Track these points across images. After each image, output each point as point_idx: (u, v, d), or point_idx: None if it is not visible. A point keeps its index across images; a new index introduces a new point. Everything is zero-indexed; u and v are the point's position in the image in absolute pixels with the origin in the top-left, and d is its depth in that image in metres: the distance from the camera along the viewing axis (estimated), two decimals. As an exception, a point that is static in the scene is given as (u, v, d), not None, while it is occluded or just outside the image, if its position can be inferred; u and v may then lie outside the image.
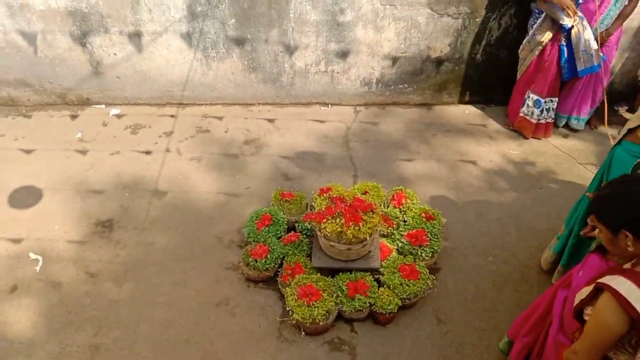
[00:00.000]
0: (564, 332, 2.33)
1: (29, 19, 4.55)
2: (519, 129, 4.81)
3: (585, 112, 4.75)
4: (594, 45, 4.23)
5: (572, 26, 4.18)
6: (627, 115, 5.00)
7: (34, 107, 5.08)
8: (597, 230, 2.10)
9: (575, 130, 4.87)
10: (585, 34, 4.18)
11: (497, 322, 3.27)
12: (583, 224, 3.07)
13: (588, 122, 4.89)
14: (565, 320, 2.32)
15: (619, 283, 1.76)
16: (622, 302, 1.73)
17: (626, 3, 4.13)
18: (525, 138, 4.78)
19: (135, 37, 4.69)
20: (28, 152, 4.52)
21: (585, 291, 1.94)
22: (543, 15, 4.24)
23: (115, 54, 4.79)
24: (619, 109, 5.13)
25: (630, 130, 2.79)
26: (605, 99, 4.46)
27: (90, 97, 5.08)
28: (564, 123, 4.88)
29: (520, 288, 3.48)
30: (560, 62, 4.40)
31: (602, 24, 4.21)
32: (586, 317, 1.95)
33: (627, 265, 1.89)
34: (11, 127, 4.82)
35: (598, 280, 1.85)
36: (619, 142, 2.89)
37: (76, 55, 4.78)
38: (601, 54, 4.31)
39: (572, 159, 4.58)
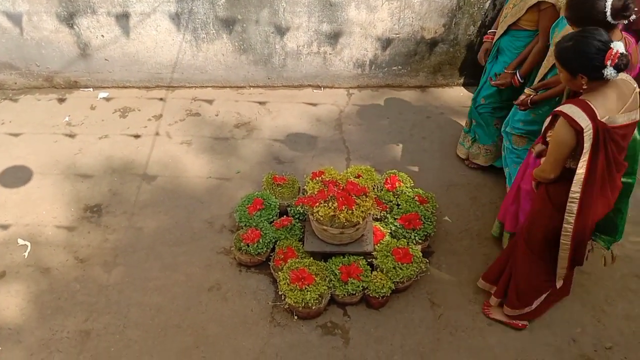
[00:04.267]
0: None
1: (14, -1, 4.44)
2: None
3: None
4: None
5: None
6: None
7: (20, 90, 4.98)
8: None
9: None
10: None
11: (490, 305, 3.27)
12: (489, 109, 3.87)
13: None
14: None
15: (567, 107, 2.37)
16: (570, 120, 2.33)
17: None
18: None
19: (123, 18, 4.59)
20: (15, 135, 4.44)
21: (547, 121, 2.57)
22: None
23: (102, 36, 4.69)
24: None
25: (514, 24, 3.44)
26: None
27: (77, 80, 4.99)
28: None
29: (513, 271, 3.47)
30: None
31: None
32: (548, 139, 2.57)
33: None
34: (-3, 111, 4.74)
35: (554, 109, 2.45)
36: (504, 33, 3.52)
37: (63, 37, 4.68)
38: None
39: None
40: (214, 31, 4.70)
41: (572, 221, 2.55)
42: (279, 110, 4.82)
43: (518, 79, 3.55)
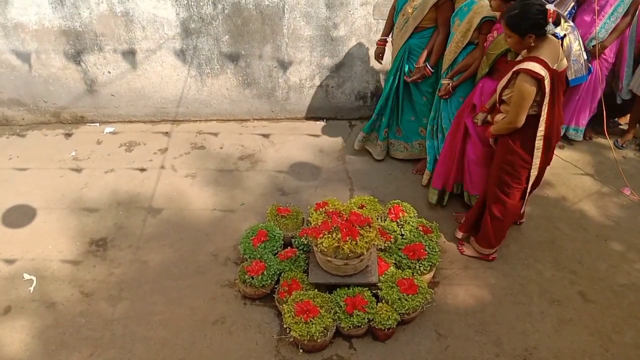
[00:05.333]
0: (482, 142, 3.58)
1: (23, 38, 4.55)
2: None
3: (583, 123, 4.75)
4: (584, 55, 4.25)
5: (565, 35, 4.20)
6: (625, 126, 5.03)
7: (28, 126, 5.07)
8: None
9: (571, 142, 4.87)
10: (576, 44, 4.21)
11: (497, 336, 3.24)
12: (393, 102, 4.29)
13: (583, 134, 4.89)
14: (480, 135, 3.56)
15: (527, 64, 2.88)
16: (532, 73, 2.85)
17: (621, 16, 4.15)
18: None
19: (129, 54, 4.69)
20: (22, 170, 4.50)
21: (503, 82, 3.05)
22: None
23: (109, 72, 4.79)
24: (617, 119, 5.14)
25: (417, 27, 3.85)
26: (605, 110, 4.48)
27: (84, 116, 5.07)
28: (562, 133, 4.87)
29: (520, 300, 3.45)
30: None
31: (598, 34, 4.23)
32: (505, 97, 3.10)
33: (524, 56, 2.99)
34: (5, 147, 4.80)
35: (514, 69, 2.93)
36: (410, 37, 3.91)
37: (70, 73, 4.79)
38: (590, 65, 4.32)
39: (568, 170, 4.57)
40: (218, 66, 4.79)
41: (539, 154, 3.17)
42: (282, 142, 4.88)
43: (429, 70, 3.95)
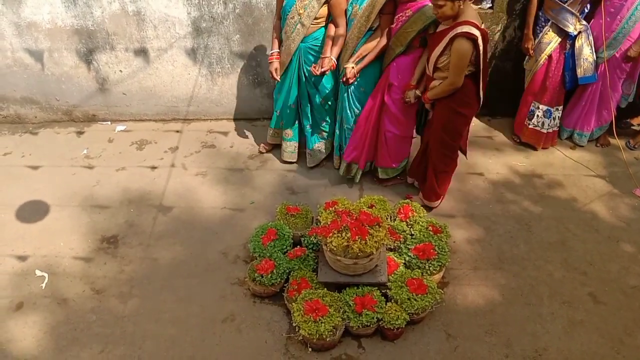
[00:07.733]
0: (404, 116, 3.91)
1: (36, 37, 4.60)
2: (529, 142, 4.77)
3: (589, 129, 4.71)
4: (594, 55, 4.23)
5: (579, 33, 4.18)
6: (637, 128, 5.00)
7: (40, 124, 5.12)
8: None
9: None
10: (587, 43, 4.19)
11: (507, 337, 3.23)
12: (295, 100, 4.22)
13: (597, 140, 4.84)
14: (402, 110, 3.88)
15: (461, 28, 3.19)
16: (468, 34, 3.18)
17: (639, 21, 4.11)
18: (535, 149, 4.74)
19: (141, 53, 4.72)
20: (34, 168, 4.55)
21: (438, 50, 3.35)
22: (549, 23, 4.23)
23: (121, 71, 4.83)
24: (629, 120, 5.09)
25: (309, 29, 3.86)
26: (614, 115, 4.45)
27: (96, 114, 5.11)
28: (567, 136, 4.85)
29: (530, 301, 3.43)
30: (564, 71, 4.38)
31: (614, 39, 4.19)
32: (440, 64, 3.41)
33: (448, 25, 3.30)
34: (18, 144, 4.85)
35: (451, 35, 3.23)
36: (302, 41, 3.91)
37: (82, 72, 4.83)
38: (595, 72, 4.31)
39: (579, 171, 4.54)
40: (229, 65, 4.81)
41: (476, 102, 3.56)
42: (292, 141, 4.88)
43: (335, 62, 3.92)
